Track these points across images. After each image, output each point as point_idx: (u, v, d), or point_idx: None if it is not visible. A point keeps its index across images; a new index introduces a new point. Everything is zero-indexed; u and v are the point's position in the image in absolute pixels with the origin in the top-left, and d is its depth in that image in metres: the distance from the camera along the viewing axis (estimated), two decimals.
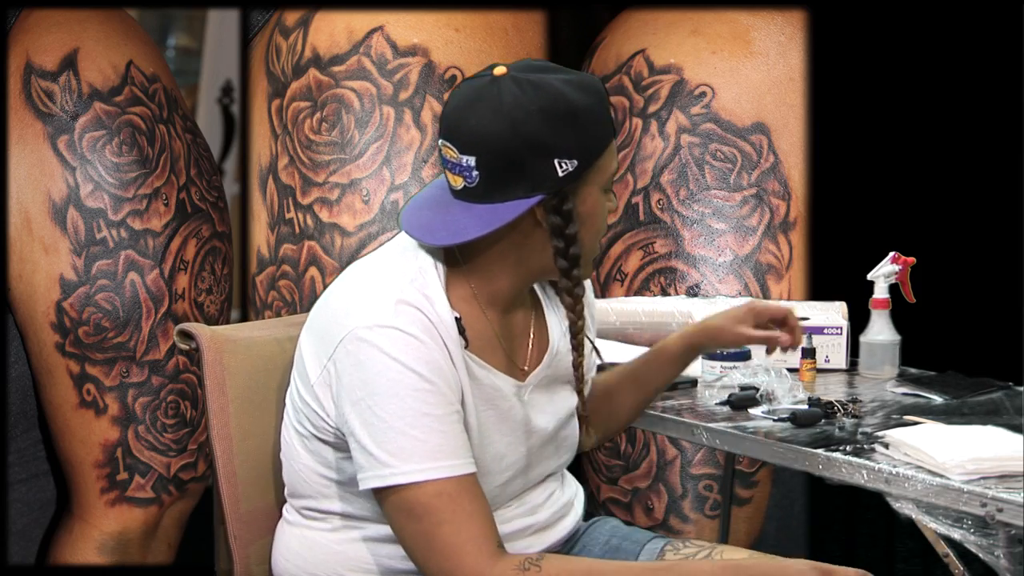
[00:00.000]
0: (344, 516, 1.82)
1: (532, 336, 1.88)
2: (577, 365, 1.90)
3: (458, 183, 1.75)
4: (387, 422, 1.69)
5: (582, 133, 1.74)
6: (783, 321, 2.04)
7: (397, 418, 1.69)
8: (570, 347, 1.89)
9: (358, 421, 1.71)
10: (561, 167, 1.73)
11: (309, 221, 3.10)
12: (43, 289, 3.01)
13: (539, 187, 1.73)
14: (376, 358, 1.70)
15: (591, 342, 1.99)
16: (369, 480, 1.71)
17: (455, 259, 1.80)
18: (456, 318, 1.76)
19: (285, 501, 1.91)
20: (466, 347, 1.77)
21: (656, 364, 2.10)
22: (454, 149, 1.74)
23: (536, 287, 1.92)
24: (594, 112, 1.75)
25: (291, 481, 1.87)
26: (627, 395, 2.11)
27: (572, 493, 1.99)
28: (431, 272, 1.77)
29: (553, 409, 1.90)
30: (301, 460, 1.83)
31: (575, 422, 1.95)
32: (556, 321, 1.92)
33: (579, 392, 1.94)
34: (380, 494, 1.72)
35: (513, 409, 1.83)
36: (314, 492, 1.83)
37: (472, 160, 1.73)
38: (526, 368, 1.87)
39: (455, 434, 1.72)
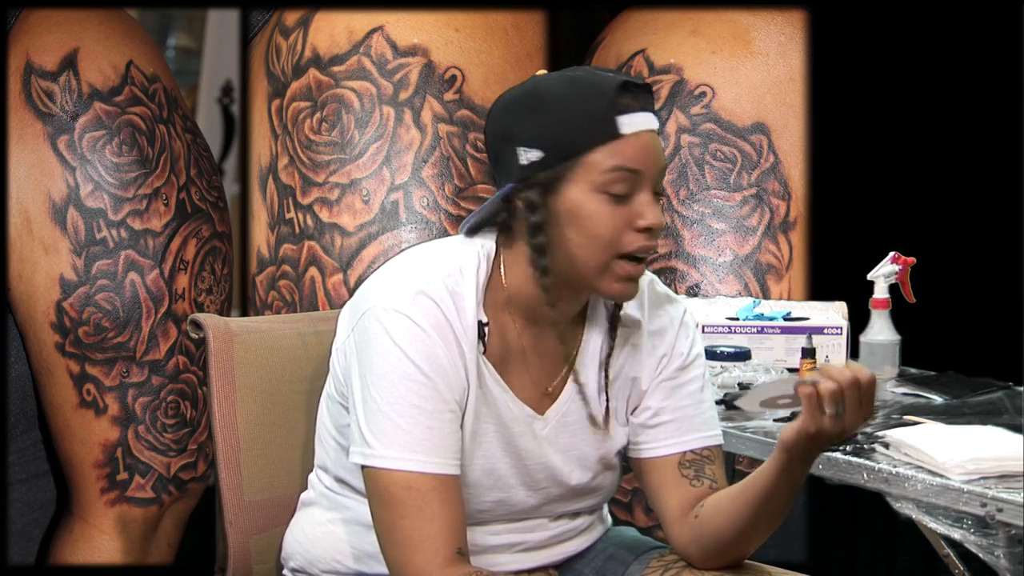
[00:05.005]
0: (345, 485, 1.82)
1: (572, 362, 1.80)
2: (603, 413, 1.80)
3: None
4: (377, 403, 1.69)
5: (549, 121, 1.67)
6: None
7: (387, 403, 1.69)
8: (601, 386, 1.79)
9: (359, 395, 1.72)
10: (523, 156, 1.69)
11: (309, 221, 3.10)
12: (43, 289, 3.01)
13: (509, 176, 1.71)
14: (382, 340, 1.70)
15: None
16: (354, 455, 1.72)
17: (500, 262, 1.76)
18: (480, 322, 1.73)
19: (296, 494, 1.91)
20: (484, 352, 1.74)
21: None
22: None
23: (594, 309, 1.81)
24: (572, 103, 1.67)
25: (317, 451, 1.87)
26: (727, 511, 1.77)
27: (590, 521, 1.90)
28: (471, 272, 1.73)
29: (579, 455, 1.81)
30: (323, 420, 1.85)
31: (610, 474, 1.85)
32: (593, 350, 1.81)
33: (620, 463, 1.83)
34: (363, 472, 1.73)
35: (523, 438, 1.78)
36: (330, 460, 1.84)
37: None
38: (551, 391, 1.79)
39: (443, 433, 1.70)
